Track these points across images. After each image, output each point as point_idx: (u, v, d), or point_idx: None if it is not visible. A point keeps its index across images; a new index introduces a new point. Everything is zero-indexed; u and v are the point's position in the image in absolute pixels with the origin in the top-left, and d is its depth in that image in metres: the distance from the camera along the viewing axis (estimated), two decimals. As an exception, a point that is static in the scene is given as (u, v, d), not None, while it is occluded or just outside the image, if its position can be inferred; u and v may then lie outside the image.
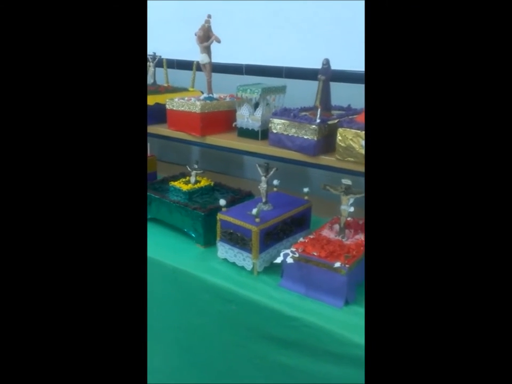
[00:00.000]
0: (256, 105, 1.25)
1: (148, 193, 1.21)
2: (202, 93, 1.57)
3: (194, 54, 1.82)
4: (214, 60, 1.50)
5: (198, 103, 1.25)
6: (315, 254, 0.90)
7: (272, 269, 1.01)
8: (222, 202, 1.02)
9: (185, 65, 1.80)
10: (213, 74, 1.61)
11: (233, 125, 1.28)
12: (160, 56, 1.48)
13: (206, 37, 1.26)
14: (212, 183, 1.27)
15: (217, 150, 1.35)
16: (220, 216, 1.02)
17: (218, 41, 1.24)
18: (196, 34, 1.29)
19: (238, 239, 0.99)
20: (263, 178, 1.05)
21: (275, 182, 1.16)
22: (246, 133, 1.26)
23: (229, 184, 1.31)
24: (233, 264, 1.02)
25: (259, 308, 0.91)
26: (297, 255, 0.91)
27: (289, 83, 1.35)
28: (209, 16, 1.26)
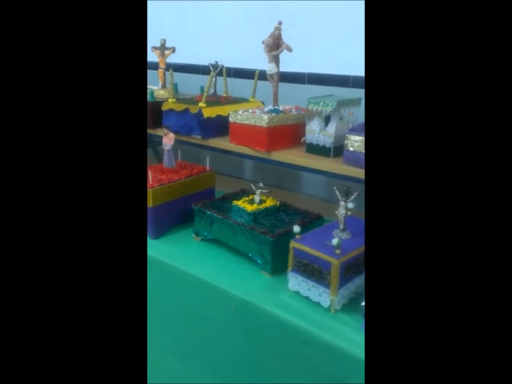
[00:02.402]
0: (327, 119, 1.15)
1: (209, 213, 1.13)
2: (263, 103, 1.49)
3: (251, 62, 1.76)
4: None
5: (265, 116, 1.15)
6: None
7: (350, 306, 0.89)
8: (296, 229, 0.92)
9: (241, 73, 1.73)
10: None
11: (302, 140, 1.18)
12: (223, 65, 1.41)
13: (275, 45, 1.17)
14: (278, 203, 1.17)
15: (282, 166, 1.25)
16: (293, 244, 0.92)
17: (290, 50, 1.15)
18: (263, 42, 1.20)
19: (314, 271, 0.88)
20: (341, 203, 0.94)
21: (350, 205, 1.05)
22: (316, 149, 1.15)
23: (284, 199, 1.21)
24: (307, 298, 0.91)
25: (339, 354, 0.80)
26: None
27: (358, 93, 1.23)
28: (279, 23, 1.17)
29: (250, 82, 1.70)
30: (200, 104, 1.29)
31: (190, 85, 1.68)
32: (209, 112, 1.30)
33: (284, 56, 1.22)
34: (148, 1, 2.13)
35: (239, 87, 1.57)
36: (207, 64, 1.92)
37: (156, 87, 1.67)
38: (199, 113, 1.28)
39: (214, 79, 1.39)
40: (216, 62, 1.41)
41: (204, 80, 1.80)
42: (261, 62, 1.68)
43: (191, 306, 1.06)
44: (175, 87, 1.59)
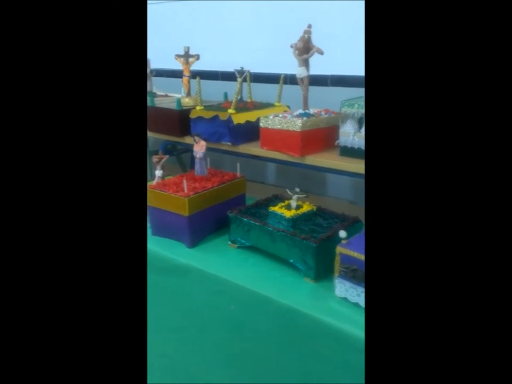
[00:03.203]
0: (360, 121, 1.14)
1: (246, 220, 1.12)
2: (289, 107, 1.48)
3: (272, 66, 1.76)
4: (289, 71, 1.41)
5: (298, 121, 1.15)
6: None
7: (401, 311, 0.88)
8: (343, 234, 0.90)
9: (261, 78, 1.72)
10: (292, 86, 1.52)
11: (336, 144, 1.17)
12: (249, 71, 1.40)
13: (305, 48, 1.16)
14: (315, 208, 1.16)
15: (315, 170, 1.24)
16: (340, 249, 0.90)
17: (321, 53, 1.14)
18: (292, 46, 1.19)
19: (364, 277, 0.87)
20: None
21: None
22: (350, 152, 1.14)
23: (314, 203, 1.19)
24: (355, 304, 0.90)
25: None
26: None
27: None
28: (309, 26, 1.16)
29: (265, 87, 1.70)
30: (230, 110, 1.28)
31: (210, 91, 1.68)
32: (238, 119, 1.29)
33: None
34: (164, 8, 2.13)
35: (255, 91, 1.57)
36: (226, 70, 1.95)
37: (178, 94, 1.67)
38: (229, 120, 1.28)
39: (239, 85, 1.38)
40: (242, 68, 1.40)
41: (223, 86, 1.82)
42: (276, 66, 1.69)
43: (233, 314, 1.06)
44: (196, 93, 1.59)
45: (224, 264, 1.11)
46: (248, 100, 1.50)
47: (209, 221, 1.23)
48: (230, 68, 1.86)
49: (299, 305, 0.93)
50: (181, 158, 1.82)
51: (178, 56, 1.50)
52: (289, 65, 1.39)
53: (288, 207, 1.13)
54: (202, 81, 1.43)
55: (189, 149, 1.78)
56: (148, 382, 0.69)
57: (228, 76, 1.88)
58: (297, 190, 1.14)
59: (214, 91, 1.63)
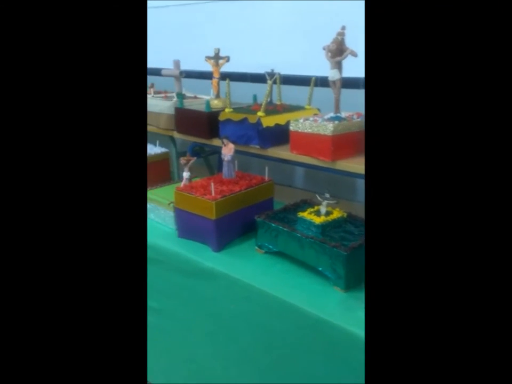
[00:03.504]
0: (395, 126, 1.09)
1: (274, 225, 1.10)
2: (319, 110, 1.45)
3: (301, 68, 1.73)
4: (318, 73, 1.38)
5: (329, 125, 1.12)
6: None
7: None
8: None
9: (291, 80, 1.70)
10: (322, 89, 1.49)
11: (368, 149, 1.13)
12: (279, 73, 1.38)
13: (338, 50, 1.13)
14: (345, 215, 1.12)
15: (346, 175, 1.21)
16: (372, 259, 0.87)
17: (355, 55, 1.11)
18: (324, 48, 1.16)
19: (397, 289, 0.83)
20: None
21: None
22: (383, 158, 1.10)
23: (344, 209, 1.16)
24: (388, 317, 0.86)
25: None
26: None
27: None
28: (343, 28, 1.13)
29: (295, 89, 1.68)
30: (259, 113, 1.26)
31: (239, 93, 1.67)
32: (268, 121, 1.27)
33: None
34: (195, 10, 2.14)
35: (285, 93, 1.54)
36: (255, 71, 1.93)
37: (208, 96, 1.67)
38: (258, 123, 1.26)
39: (269, 88, 1.36)
40: (272, 70, 1.38)
41: (252, 87, 1.80)
42: (306, 68, 1.66)
43: (260, 321, 1.04)
44: (225, 95, 1.58)
45: (250, 269, 1.09)
46: (278, 102, 1.47)
47: (236, 224, 1.22)
48: (259, 70, 1.85)
49: (328, 315, 0.90)
50: (208, 160, 1.81)
51: (208, 58, 1.49)
52: (319, 67, 1.37)
53: (318, 213, 1.10)
54: (232, 83, 1.43)
55: (216, 151, 1.77)
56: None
57: (257, 78, 1.87)
58: (327, 195, 1.11)
59: (243, 93, 1.62)
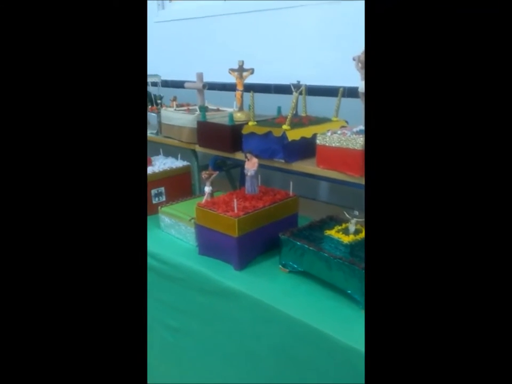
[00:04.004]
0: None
1: (300, 243, 1.04)
2: (347, 122, 1.39)
3: (325, 78, 1.69)
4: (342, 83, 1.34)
5: (359, 138, 1.06)
6: None
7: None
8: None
9: (315, 91, 1.65)
10: (349, 100, 1.44)
11: (400, 164, 1.07)
12: (305, 85, 1.34)
13: (368, 61, 1.08)
14: (375, 234, 1.05)
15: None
16: (408, 285, 0.80)
17: (386, 66, 1.05)
18: (354, 59, 1.11)
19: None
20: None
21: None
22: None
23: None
24: (425, 348, 0.79)
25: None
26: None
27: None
28: (373, 37, 1.07)
29: (320, 100, 1.63)
30: (284, 126, 1.22)
31: (262, 104, 1.63)
32: (293, 135, 1.22)
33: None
34: (217, 21, 2.13)
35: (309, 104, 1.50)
36: (278, 82, 1.90)
37: (230, 108, 1.64)
38: (283, 136, 1.21)
39: (295, 100, 1.32)
40: (298, 82, 1.34)
41: (276, 99, 1.77)
42: (330, 79, 1.61)
43: (283, 346, 0.98)
44: (248, 108, 1.55)
45: (274, 290, 1.03)
46: (303, 114, 1.43)
47: (259, 242, 1.16)
48: (282, 81, 1.82)
49: (357, 343, 0.83)
50: (230, 174, 1.78)
51: (232, 70, 1.46)
52: (343, 77, 1.32)
53: (346, 231, 1.04)
54: (255, 94, 1.40)
55: (238, 164, 1.74)
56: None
57: (281, 89, 1.84)
58: (356, 212, 1.05)
59: (267, 104, 1.58)
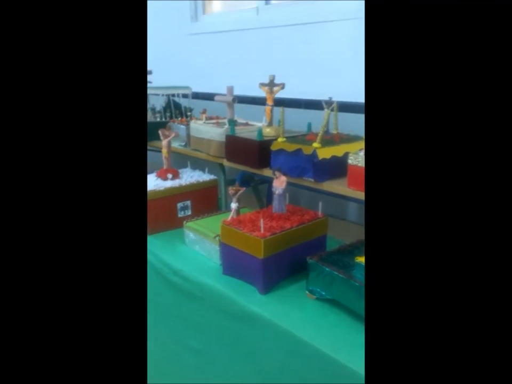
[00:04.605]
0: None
1: (329, 269, 0.99)
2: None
3: (359, 96, 1.63)
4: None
5: (395, 160, 1.00)
6: None
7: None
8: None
9: (347, 107, 1.60)
10: None
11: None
12: (337, 101, 1.29)
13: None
14: (411, 263, 0.99)
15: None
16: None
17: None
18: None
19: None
20: None
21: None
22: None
23: None
24: None
25: None
26: None
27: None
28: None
29: (347, 116, 1.57)
30: (315, 144, 1.17)
31: (290, 119, 1.59)
32: (324, 153, 1.17)
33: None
34: (247, 35, 2.11)
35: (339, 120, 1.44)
36: (308, 98, 1.86)
37: (259, 123, 1.60)
38: (314, 155, 1.16)
39: (327, 117, 1.27)
40: (330, 98, 1.29)
41: (305, 114, 1.72)
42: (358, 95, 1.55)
43: (309, 380, 0.92)
44: (278, 123, 1.51)
45: (300, 319, 0.97)
46: (334, 132, 1.38)
47: (286, 264, 1.12)
48: (313, 96, 1.77)
49: (391, 385, 0.76)
50: (257, 190, 1.74)
51: (262, 85, 1.43)
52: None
53: (379, 259, 0.98)
54: (291, 110, 1.36)
55: (266, 180, 1.70)
56: None
57: (311, 105, 1.79)
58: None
59: (296, 120, 1.54)
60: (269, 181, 1.73)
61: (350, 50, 1.69)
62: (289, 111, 1.68)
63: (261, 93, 1.49)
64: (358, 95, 1.61)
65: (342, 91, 1.54)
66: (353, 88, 1.67)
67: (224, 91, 1.66)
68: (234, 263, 1.14)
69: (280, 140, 1.27)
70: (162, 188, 1.44)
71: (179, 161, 1.79)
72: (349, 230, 1.60)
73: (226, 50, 2.26)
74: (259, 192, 1.75)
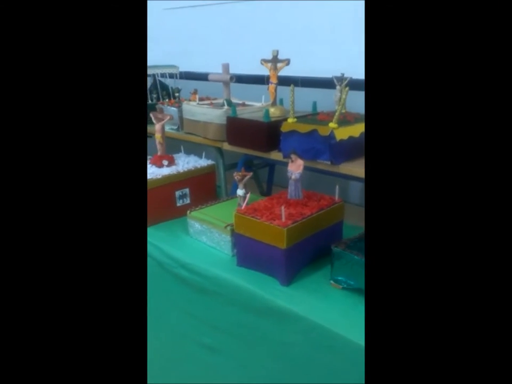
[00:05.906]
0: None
1: (357, 258, 0.93)
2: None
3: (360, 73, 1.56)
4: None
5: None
6: None
7: None
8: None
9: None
10: None
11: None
12: (351, 77, 1.21)
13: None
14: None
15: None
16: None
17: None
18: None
19: None
20: None
21: None
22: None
23: None
24: None
25: None
26: None
27: None
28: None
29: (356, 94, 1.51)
30: (331, 124, 1.10)
31: (287, 99, 1.51)
32: (341, 134, 1.11)
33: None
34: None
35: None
36: (307, 75, 1.77)
37: (257, 103, 1.51)
38: (331, 136, 1.09)
39: (338, 94, 1.20)
40: (343, 75, 1.22)
41: (302, 93, 1.64)
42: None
43: (343, 373, 0.87)
44: (281, 102, 1.42)
45: (329, 311, 0.92)
46: (343, 111, 1.31)
47: (306, 253, 1.05)
48: (308, 73, 1.69)
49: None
50: (257, 174, 1.66)
51: (265, 61, 1.33)
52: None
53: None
54: (282, 88, 1.28)
55: (267, 163, 1.62)
56: None
57: (307, 82, 1.71)
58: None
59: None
60: (269, 165, 1.65)
61: (348, 26, 1.62)
62: (284, 89, 1.60)
63: (251, 70, 1.39)
64: (355, 72, 1.55)
65: (339, 67, 1.47)
66: (351, 64, 1.60)
67: (209, 69, 1.56)
68: (250, 254, 1.06)
69: (290, 120, 1.19)
70: (160, 176, 1.33)
71: (171, 146, 1.67)
72: (353, 212, 1.55)
73: (209, 26, 2.12)
74: (258, 176, 1.67)
